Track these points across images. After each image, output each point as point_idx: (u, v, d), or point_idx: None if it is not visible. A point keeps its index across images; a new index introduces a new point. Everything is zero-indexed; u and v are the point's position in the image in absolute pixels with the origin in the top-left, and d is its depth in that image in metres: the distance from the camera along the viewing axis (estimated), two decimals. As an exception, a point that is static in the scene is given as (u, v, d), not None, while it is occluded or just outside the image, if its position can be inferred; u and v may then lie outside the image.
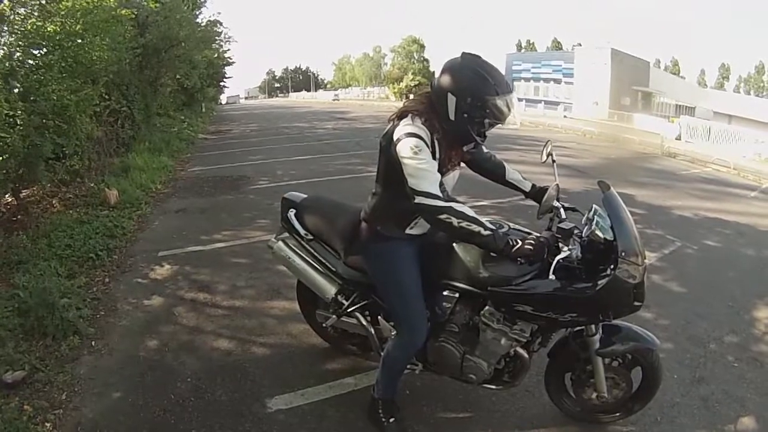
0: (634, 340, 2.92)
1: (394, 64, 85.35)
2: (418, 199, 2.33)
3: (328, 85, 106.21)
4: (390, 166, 2.46)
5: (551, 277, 2.42)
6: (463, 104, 2.37)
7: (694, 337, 4.82)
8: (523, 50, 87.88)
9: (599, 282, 2.50)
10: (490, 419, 3.28)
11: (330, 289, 3.15)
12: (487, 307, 2.78)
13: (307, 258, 3.23)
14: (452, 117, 2.40)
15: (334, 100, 75.80)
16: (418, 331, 2.77)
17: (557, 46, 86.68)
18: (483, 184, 3.30)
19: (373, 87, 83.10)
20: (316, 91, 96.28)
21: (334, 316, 3.30)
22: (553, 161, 3.01)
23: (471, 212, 2.40)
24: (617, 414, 3.20)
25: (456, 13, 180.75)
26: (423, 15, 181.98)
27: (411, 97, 2.97)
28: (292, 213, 3.27)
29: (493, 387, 3.07)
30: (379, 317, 3.18)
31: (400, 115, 2.48)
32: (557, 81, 53.94)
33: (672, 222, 9.60)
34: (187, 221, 7.28)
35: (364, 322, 3.20)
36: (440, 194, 2.35)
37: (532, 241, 2.43)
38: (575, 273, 2.58)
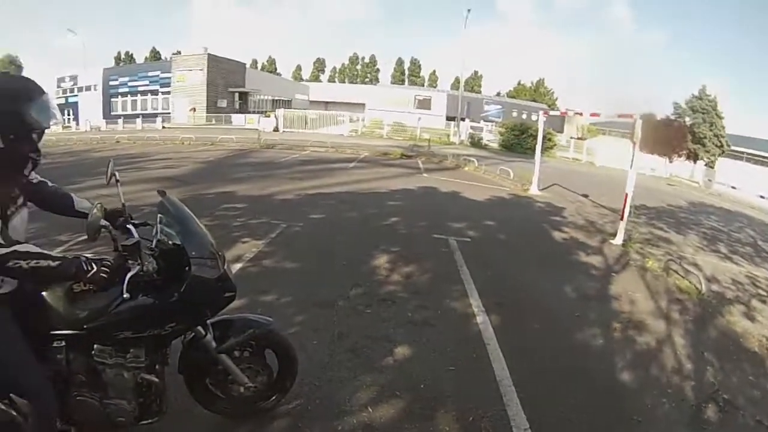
0: (248, 327, 3.06)
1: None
2: None
3: None
4: None
5: (125, 295, 2.43)
6: (4, 128, 2.23)
7: (322, 302, 5.05)
8: (122, 63, 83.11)
9: (182, 286, 2.55)
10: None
11: None
12: (96, 346, 2.66)
13: None
14: (2, 145, 2.24)
15: None
16: (44, 396, 2.54)
17: (155, 56, 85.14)
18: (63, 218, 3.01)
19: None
20: None
21: None
22: (117, 181, 2.93)
23: (36, 249, 2.30)
24: (274, 396, 3.29)
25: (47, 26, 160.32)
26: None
27: None
28: None
29: (150, 421, 2.87)
30: (12, 396, 2.72)
31: None
32: (154, 92, 53.08)
33: (275, 207, 10.09)
34: None
35: (2, 407, 2.71)
36: (2, 242, 2.21)
37: (109, 263, 2.46)
38: (157, 284, 2.60)
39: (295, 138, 27.94)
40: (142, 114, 47.94)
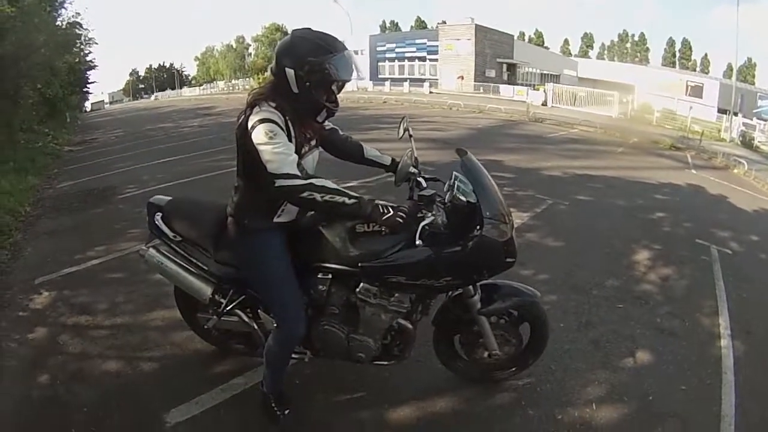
0: (514, 295, 3.07)
1: (258, 54, 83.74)
2: (279, 182, 2.35)
3: (193, 81, 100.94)
4: (249, 157, 2.47)
5: (418, 243, 2.51)
6: (302, 74, 2.43)
7: (576, 286, 5.10)
8: (387, 31, 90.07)
9: (468, 244, 2.61)
10: (385, 394, 3.34)
11: (206, 290, 3.10)
12: (361, 284, 2.82)
13: (180, 261, 3.16)
14: (296, 90, 2.46)
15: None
16: (297, 319, 2.78)
17: (421, 24, 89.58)
18: (350, 165, 3.38)
19: (238, 79, 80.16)
20: (181, 88, 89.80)
21: (214, 317, 3.22)
22: (410, 136, 3.11)
23: (332, 184, 2.45)
24: (513, 369, 3.34)
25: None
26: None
27: None
28: (158, 217, 3.18)
29: (385, 362, 3.09)
30: (259, 311, 3.16)
31: (251, 104, 2.50)
32: (422, 59, 56.09)
33: (542, 182, 10.15)
34: (59, 242, 6.80)
35: (246, 319, 3.16)
36: (299, 173, 2.38)
37: (405, 208, 2.55)
38: (443, 238, 2.67)
39: (563, 114, 27.23)
40: (409, 78, 50.83)
